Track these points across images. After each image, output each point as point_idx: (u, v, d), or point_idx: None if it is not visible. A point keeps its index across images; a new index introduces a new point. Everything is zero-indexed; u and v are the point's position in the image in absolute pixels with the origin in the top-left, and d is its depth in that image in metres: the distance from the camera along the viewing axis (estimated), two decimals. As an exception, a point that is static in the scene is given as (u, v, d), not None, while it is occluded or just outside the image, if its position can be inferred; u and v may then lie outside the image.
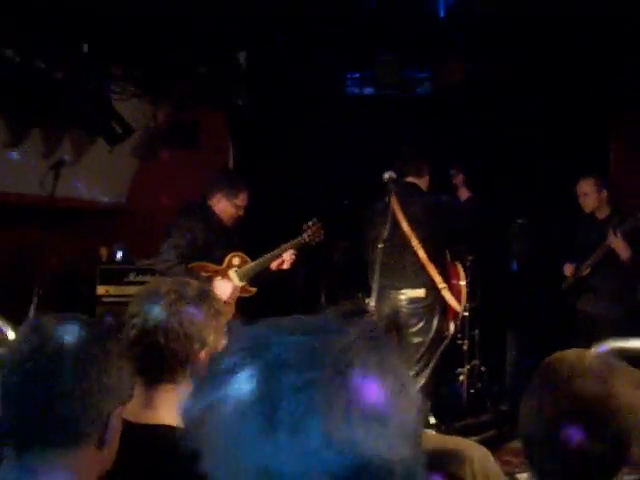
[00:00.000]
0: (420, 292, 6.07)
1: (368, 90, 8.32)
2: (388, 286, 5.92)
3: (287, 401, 0.94)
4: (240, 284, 5.96)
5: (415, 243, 5.97)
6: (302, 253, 7.00)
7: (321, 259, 7.98)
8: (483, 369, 7.77)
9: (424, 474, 1.05)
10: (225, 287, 5.78)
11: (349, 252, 7.81)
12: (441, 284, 6.06)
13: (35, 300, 5.82)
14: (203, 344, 2.33)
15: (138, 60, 6.97)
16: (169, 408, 2.32)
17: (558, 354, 2.03)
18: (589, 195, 6.74)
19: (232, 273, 5.97)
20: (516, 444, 6.72)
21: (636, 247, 6.48)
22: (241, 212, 6.06)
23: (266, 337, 1.03)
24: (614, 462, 1.89)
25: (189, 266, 5.70)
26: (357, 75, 8.28)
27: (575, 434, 1.85)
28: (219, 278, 5.84)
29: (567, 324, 7.02)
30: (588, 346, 6.23)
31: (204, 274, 5.76)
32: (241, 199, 6.02)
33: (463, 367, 7.62)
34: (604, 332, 6.21)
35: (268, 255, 6.14)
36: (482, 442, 2.78)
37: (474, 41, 7.22)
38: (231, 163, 8.99)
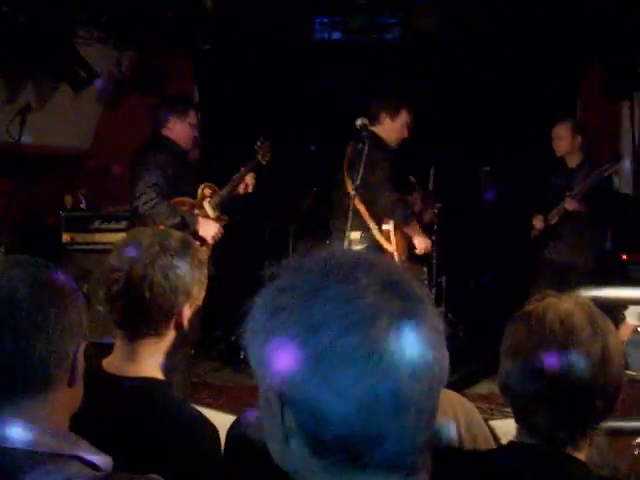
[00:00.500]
0: (356, 235, 6.09)
1: (336, 35, 8.23)
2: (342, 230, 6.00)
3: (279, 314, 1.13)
4: (215, 214, 6.03)
5: (350, 188, 5.97)
6: (270, 200, 7.00)
7: (289, 206, 7.96)
8: (450, 316, 7.80)
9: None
10: (210, 228, 5.82)
11: (317, 199, 7.78)
12: (371, 224, 6.07)
13: (2, 250, 5.76)
14: (188, 296, 2.31)
15: (103, 4, 6.82)
16: (153, 361, 2.32)
17: (538, 306, 2.00)
18: (563, 139, 6.75)
19: (206, 204, 6.05)
20: (482, 389, 6.81)
21: (601, 199, 6.53)
22: (196, 132, 6.10)
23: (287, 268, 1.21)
24: (604, 412, 1.91)
25: (171, 202, 5.73)
26: (326, 20, 8.17)
27: (572, 388, 1.86)
28: (197, 212, 5.93)
29: (536, 272, 7.07)
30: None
31: (183, 209, 5.79)
32: (192, 116, 6.04)
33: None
34: (573, 281, 6.29)
35: (232, 180, 6.27)
36: (449, 388, 2.79)
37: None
38: (197, 109, 8.86)
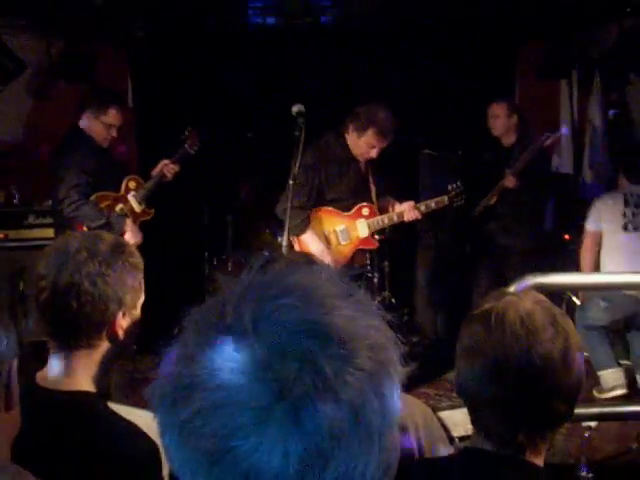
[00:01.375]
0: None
1: (271, 20, 8.11)
2: None
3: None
4: (140, 208, 5.98)
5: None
6: (207, 190, 6.86)
7: (227, 195, 7.86)
8: (394, 301, 7.74)
9: None
10: (136, 236, 5.71)
11: (256, 188, 7.68)
12: None
13: None
14: (120, 304, 2.17)
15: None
16: (86, 373, 2.19)
17: (497, 305, 1.90)
18: (500, 118, 6.80)
19: (131, 198, 5.98)
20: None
21: (539, 177, 6.56)
22: (114, 133, 5.87)
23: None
24: (566, 414, 1.85)
25: (92, 200, 5.62)
26: (259, 4, 8.04)
27: (533, 390, 1.80)
28: (121, 206, 5.83)
29: (476, 254, 7.08)
30: (500, 277, 6.34)
31: (106, 203, 5.71)
32: (111, 116, 5.79)
33: (374, 299, 7.53)
34: (515, 263, 6.31)
35: (154, 173, 6.17)
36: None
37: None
38: (130, 97, 8.66)
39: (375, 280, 7.47)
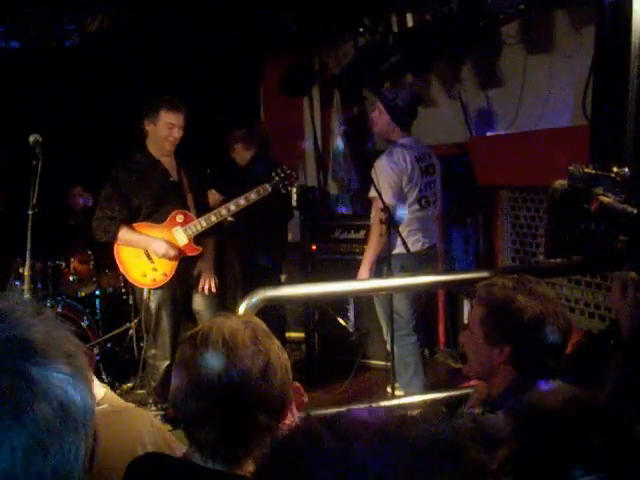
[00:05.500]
0: None
1: (14, 44, 7.98)
2: None
3: None
4: None
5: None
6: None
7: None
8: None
9: None
10: None
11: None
12: None
13: None
14: None
15: None
16: None
17: (205, 325, 2.06)
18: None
19: None
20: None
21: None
22: None
23: None
24: (269, 427, 1.97)
25: None
26: (1, 29, 7.90)
27: (234, 404, 1.93)
28: None
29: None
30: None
31: None
32: None
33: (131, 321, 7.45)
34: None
35: None
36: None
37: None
38: None
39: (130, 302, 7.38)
